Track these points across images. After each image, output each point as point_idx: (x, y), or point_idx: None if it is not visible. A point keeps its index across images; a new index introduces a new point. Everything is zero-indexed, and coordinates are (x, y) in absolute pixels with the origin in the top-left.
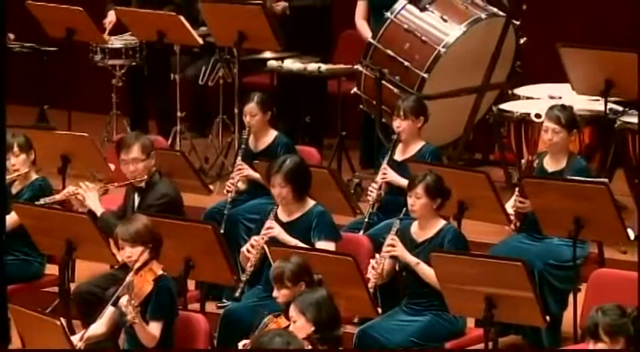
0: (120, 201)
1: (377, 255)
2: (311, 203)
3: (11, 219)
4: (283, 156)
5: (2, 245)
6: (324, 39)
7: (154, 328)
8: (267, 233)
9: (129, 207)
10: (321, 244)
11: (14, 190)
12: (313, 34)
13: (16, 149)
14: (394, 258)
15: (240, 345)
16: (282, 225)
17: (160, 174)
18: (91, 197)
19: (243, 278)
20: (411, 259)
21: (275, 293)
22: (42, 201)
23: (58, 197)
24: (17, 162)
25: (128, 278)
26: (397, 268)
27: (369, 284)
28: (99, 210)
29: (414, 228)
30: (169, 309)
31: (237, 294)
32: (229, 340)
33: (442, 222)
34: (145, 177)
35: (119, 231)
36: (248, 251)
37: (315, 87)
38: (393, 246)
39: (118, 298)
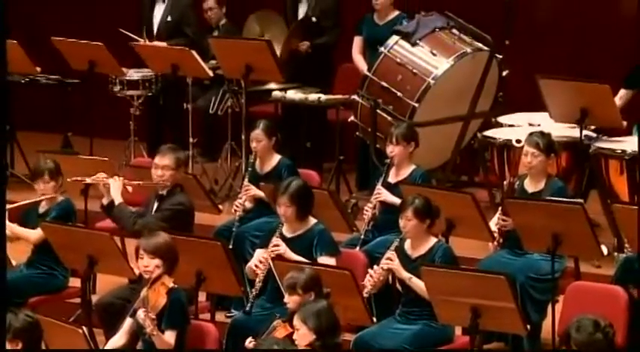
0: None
1: (375, 266)
2: (312, 221)
3: (37, 234)
4: (289, 179)
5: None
6: (326, 71)
7: (170, 337)
8: (274, 250)
9: (149, 209)
10: (323, 259)
11: (41, 210)
12: (317, 67)
13: (46, 176)
14: (389, 271)
15: (248, 341)
16: (286, 240)
17: (182, 188)
18: (116, 187)
19: (253, 292)
20: (405, 275)
21: (286, 299)
22: (71, 179)
23: (88, 179)
24: (46, 188)
25: (142, 292)
26: (390, 281)
27: (365, 290)
28: (118, 199)
29: (408, 245)
30: (182, 319)
31: (247, 308)
32: (236, 347)
33: (434, 240)
34: (168, 184)
35: (142, 242)
36: (256, 266)
37: (316, 115)
38: (391, 259)
39: (135, 311)
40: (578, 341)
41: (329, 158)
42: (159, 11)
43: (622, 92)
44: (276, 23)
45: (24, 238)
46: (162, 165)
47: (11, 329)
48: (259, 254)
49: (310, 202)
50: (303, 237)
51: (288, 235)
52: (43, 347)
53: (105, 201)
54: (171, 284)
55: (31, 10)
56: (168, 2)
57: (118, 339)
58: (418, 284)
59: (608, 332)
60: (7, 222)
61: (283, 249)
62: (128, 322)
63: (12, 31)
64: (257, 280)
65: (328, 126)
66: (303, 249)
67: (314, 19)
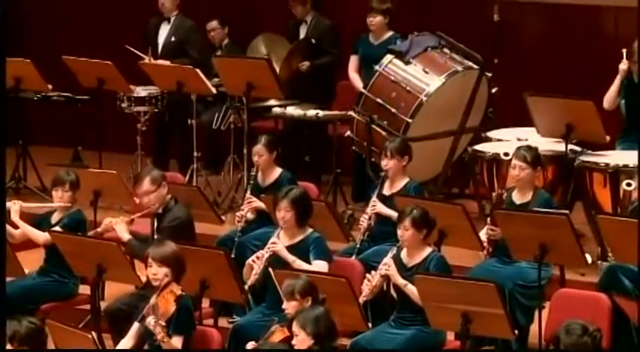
0: (145, 225)
1: (373, 272)
2: (309, 230)
3: (45, 235)
4: (290, 186)
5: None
6: (326, 90)
7: (177, 342)
8: (271, 247)
9: (151, 230)
10: (316, 262)
11: (54, 219)
12: (317, 86)
13: (67, 186)
14: (386, 277)
15: (249, 345)
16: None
17: (176, 201)
18: (119, 229)
19: (247, 286)
20: (400, 281)
21: (285, 305)
22: (91, 233)
23: (100, 230)
24: (64, 196)
25: (152, 300)
26: (385, 288)
27: (363, 294)
28: (125, 238)
29: (404, 254)
30: (189, 325)
31: (247, 310)
32: (238, 350)
33: (429, 250)
34: (157, 205)
35: (151, 251)
36: (253, 261)
37: (314, 130)
38: (388, 266)
39: (143, 316)
40: (567, 344)
41: (326, 171)
42: (164, 31)
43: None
44: (280, 45)
45: (33, 238)
46: (143, 192)
47: (17, 336)
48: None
49: (309, 209)
50: (300, 244)
51: (286, 243)
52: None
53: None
54: (179, 292)
55: (43, 30)
56: (173, 23)
57: (126, 343)
58: (413, 291)
59: (595, 337)
60: (20, 221)
61: (280, 246)
62: (135, 327)
63: (25, 51)
64: (253, 272)
65: (326, 140)
66: (300, 256)
67: (313, 40)
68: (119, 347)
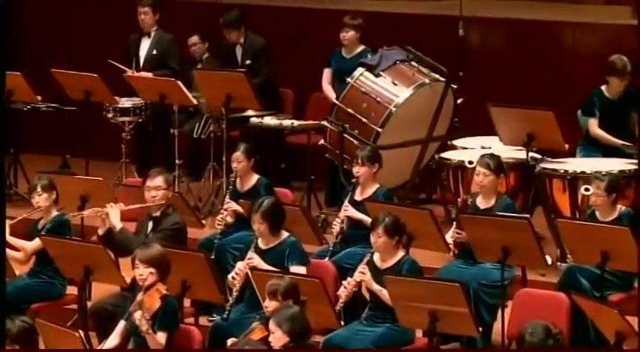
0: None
1: (349, 278)
2: (285, 234)
3: (32, 244)
4: (262, 198)
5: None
6: (277, 100)
7: (162, 337)
8: (248, 263)
9: (142, 232)
10: (294, 268)
11: (40, 225)
12: (268, 100)
13: (39, 189)
14: (361, 283)
15: (229, 342)
16: (261, 252)
17: (173, 208)
18: (114, 213)
19: (230, 300)
20: (375, 287)
21: (266, 304)
22: (71, 215)
23: (85, 212)
24: (40, 200)
25: (139, 297)
26: (358, 289)
27: (340, 300)
28: (119, 225)
29: (377, 258)
30: (173, 322)
31: (225, 315)
32: (217, 347)
33: (401, 254)
34: (162, 202)
35: (138, 253)
36: (233, 278)
37: (289, 139)
38: (363, 273)
39: (130, 314)
40: (531, 344)
41: (301, 178)
42: (145, 45)
43: (592, 122)
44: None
45: (21, 249)
46: (155, 186)
47: (9, 334)
48: (238, 266)
49: (281, 219)
50: (276, 248)
51: (263, 247)
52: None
53: (101, 232)
54: (164, 291)
55: (32, 45)
56: (153, 38)
57: (112, 340)
58: (386, 296)
59: (558, 339)
60: (12, 238)
61: (257, 261)
62: (122, 325)
63: (16, 64)
64: (234, 289)
65: (300, 149)
66: (276, 260)
67: (248, 61)
68: (106, 344)
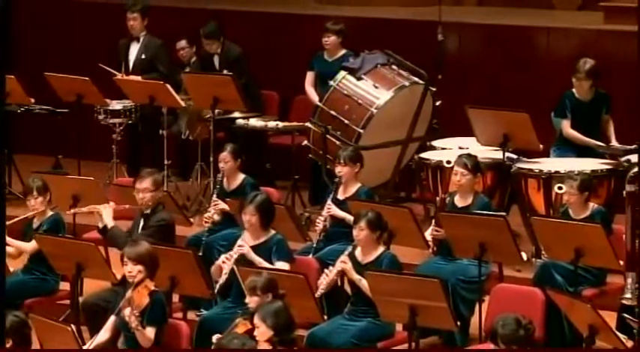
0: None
1: (330, 267)
2: (272, 232)
3: (31, 245)
4: (255, 193)
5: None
6: (258, 102)
7: (151, 332)
8: (238, 250)
9: (135, 227)
10: (278, 264)
11: (35, 224)
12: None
13: (35, 193)
14: (342, 272)
15: (214, 338)
16: (249, 247)
17: (164, 206)
18: (107, 212)
19: (217, 285)
20: (355, 276)
21: (247, 300)
22: (71, 211)
23: (84, 209)
24: (36, 203)
25: (128, 293)
26: (339, 283)
27: (321, 287)
28: (111, 223)
29: (359, 252)
30: (162, 317)
31: (213, 303)
32: (204, 341)
33: (382, 249)
34: (150, 204)
35: (126, 251)
36: (223, 262)
37: (274, 140)
38: (345, 262)
39: (120, 309)
40: (504, 336)
41: (285, 177)
42: (134, 50)
43: (564, 123)
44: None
45: (21, 250)
46: (142, 188)
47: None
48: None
49: (272, 213)
50: (263, 245)
51: (251, 243)
52: (33, 344)
53: (100, 225)
54: (153, 287)
55: (26, 49)
56: (142, 42)
57: (103, 335)
58: (366, 286)
59: (529, 329)
60: (8, 238)
61: (246, 249)
62: (112, 320)
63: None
64: (223, 272)
65: (285, 149)
66: (264, 256)
67: (225, 71)
68: (97, 339)
